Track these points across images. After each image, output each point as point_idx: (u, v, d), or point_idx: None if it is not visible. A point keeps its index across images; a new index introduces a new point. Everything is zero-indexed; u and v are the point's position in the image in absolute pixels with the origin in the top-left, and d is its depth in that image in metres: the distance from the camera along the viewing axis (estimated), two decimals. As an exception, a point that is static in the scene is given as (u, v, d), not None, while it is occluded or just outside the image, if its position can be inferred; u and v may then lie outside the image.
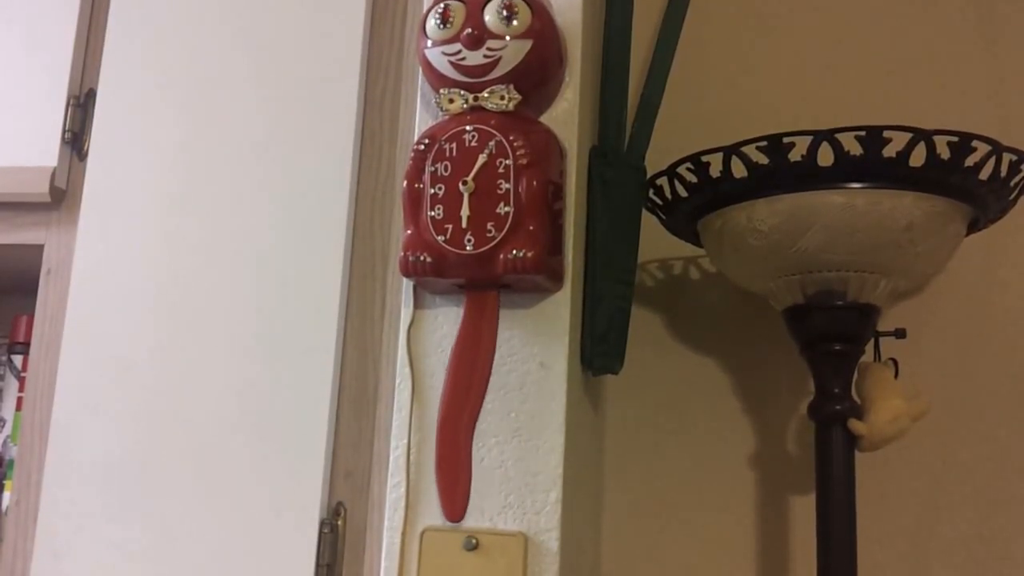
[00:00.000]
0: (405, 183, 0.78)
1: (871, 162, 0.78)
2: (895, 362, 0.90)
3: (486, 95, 0.77)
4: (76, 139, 0.98)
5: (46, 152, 0.97)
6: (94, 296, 0.93)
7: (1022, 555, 0.97)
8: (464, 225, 0.75)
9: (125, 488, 0.87)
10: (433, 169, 0.76)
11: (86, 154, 0.96)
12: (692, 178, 0.87)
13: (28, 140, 0.98)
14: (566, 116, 0.81)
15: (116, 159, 0.95)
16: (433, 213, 0.76)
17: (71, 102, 0.98)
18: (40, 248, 0.97)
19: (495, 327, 0.79)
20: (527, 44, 0.76)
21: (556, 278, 0.78)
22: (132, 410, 0.89)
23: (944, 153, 0.78)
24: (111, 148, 0.95)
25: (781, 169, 0.80)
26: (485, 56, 0.76)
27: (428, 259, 0.76)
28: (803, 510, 1.02)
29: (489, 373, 0.78)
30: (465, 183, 0.75)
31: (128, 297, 0.91)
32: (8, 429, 1.17)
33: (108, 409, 0.90)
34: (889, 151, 0.78)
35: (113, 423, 0.89)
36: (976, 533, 0.98)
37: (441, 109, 0.78)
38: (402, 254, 0.77)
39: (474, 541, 0.75)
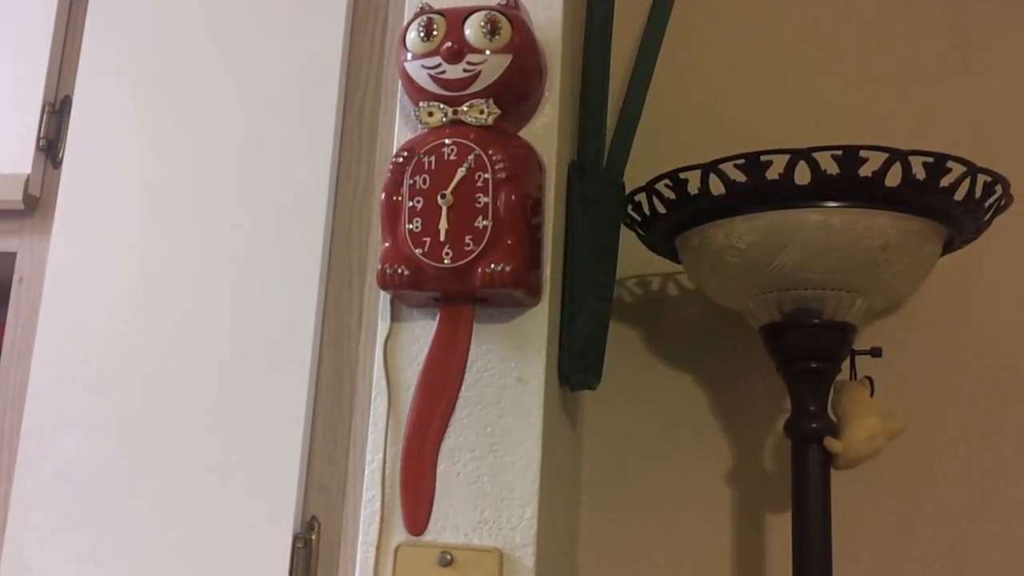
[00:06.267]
0: (383, 195, 0.77)
1: (848, 181, 0.79)
2: (871, 380, 0.90)
3: (465, 109, 0.77)
4: (51, 146, 0.97)
5: (20, 159, 0.96)
6: (67, 305, 0.91)
7: (996, 573, 0.97)
8: (442, 238, 0.75)
9: (96, 500, 0.86)
10: (412, 182, 0.76)
11: (61, 161, 0.95)
12: (670, 195, 0.87)
13: (2, 147, 0.97)
14: (545, 131, 0.81)
15: (91, 167, 0.94)
16: (411, 226, 0.76)
17: (46, 109, 0.97)
18: (12, 256, 0.96)
19: (468, 341, 0.78)
20: (507, 59, 0.76)
21: (534, 292, 0.78)
22: (104, 421, 0.88)
23: (920, 173, 0.79)
24: (86, 156, 0.94)
25: (759, 187, 0.81)
26: (465, 70, 0.76)
27: (405, 272, 0.75)
28: (779, 526, 1.02)
29: (460, 387, 0.78)
30: (444, 196, 0.75)
31: (101, 306, 0.90)
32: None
33: (79, 419, 0.88)
34: (865, 171, 0.78)
35: (84, 433, 0.88)
36: (950, 551, 0.98)
37: (420, 122, 0.78)
38: (379, 266, 0.76)
39: (449, 557, 0.74)
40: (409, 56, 0.78)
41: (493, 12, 0.76)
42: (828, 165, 0.79)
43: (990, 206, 0.84)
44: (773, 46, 1.13)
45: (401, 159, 0.77)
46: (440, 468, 0.77)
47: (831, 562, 0.85)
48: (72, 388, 0.89)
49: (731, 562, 1.03)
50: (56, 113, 0.98)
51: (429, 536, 0.76)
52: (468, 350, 0.78)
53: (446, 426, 0.77)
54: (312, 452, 0.84)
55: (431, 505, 0.76)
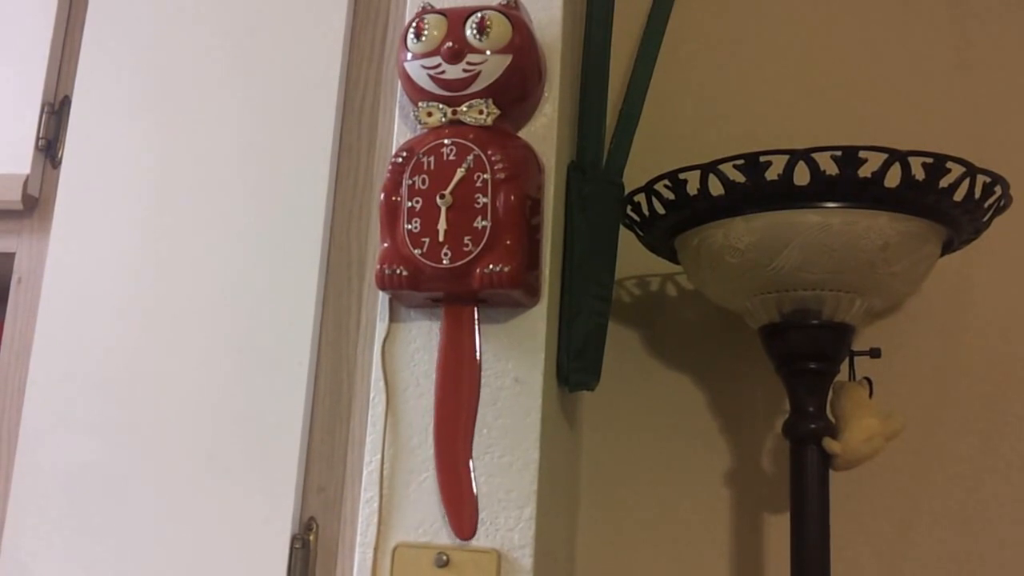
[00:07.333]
0: (382, 195, 0.77)
1: (847, 182, 0.79)
2: (869, 381, 0.90)
3: (465, 109, 0.77)
4: (50, 147, 0.97)
5: (19, 159, 0.96)
6: (65, 305, 0.91)
7: (995, 573, 0.97)
8: (441, 239, 0.75)
9: (94, 500, 0.86)
10: (411, 182, 0.76)
11: (60, 162, 0.95)
12: (670, 195, 0.87)
13: (1, 147, 0.97)
14: (545, 131, 0.81)
15: (90, 168, 0.94)
16: (410, 226, 0.76)
17: (45, 109, 0.97)
18: (11, 256, 0.96)
19: (475, 341, 0.78)
20: (507, 59, 0.76)
21: (533, 293, 0.77)
22: (103, 421, 0.88)
23: (919, 174, 0.79)
24: (86, 156, 0.94)
25: (758, 187, 0.81)
26: (464, 70, 0.76)
27: (404, 272, 0.75)
28: (778, 528, 1.02)
29: (479, 387, 0.77)
30: (443, 196, 0.75)
31: (100, 307, 0.90)
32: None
33: (78, 420, 0.88)
34: (865, 171, 0.78)
35: (83, 434, 0.88)
36: (949, 552, 0.98)
37: (419, 122, 0.78)
38: (378, 267, 0.76)
39: (445, 558, 0.74)
40: (409, 56, 0.78)
41: (488, 12, 0.76)
42: (827, 166, 0.79)
43: (989, 206, 0.84)
44: (773, 46, 1.13)
45: (400, 159, 0.77)
46: (438, 469, 0.77)
47: (829, 562, 0.85)
48: (71, 388, 0.89)
49: (730, 562, 1.03)
50: (55, 113, 0.98)
51: (425, 537, 0.76)
52: (477, 349, 0.78)
53: (473, 426, 0.77)
54: (310, 453, 0.84)
55: (476, 508, 0.75)
